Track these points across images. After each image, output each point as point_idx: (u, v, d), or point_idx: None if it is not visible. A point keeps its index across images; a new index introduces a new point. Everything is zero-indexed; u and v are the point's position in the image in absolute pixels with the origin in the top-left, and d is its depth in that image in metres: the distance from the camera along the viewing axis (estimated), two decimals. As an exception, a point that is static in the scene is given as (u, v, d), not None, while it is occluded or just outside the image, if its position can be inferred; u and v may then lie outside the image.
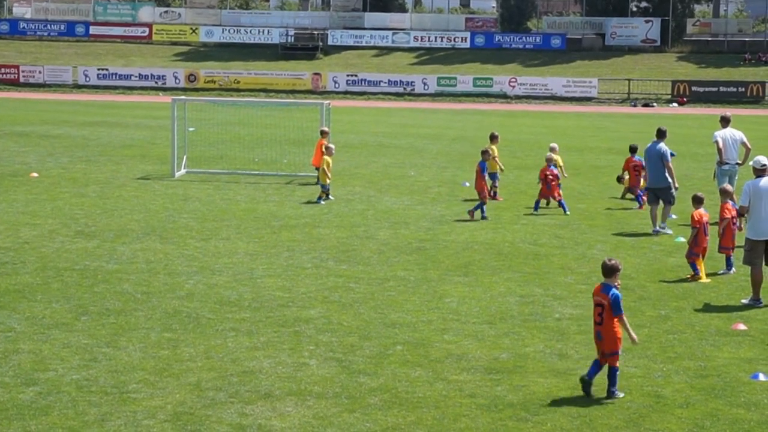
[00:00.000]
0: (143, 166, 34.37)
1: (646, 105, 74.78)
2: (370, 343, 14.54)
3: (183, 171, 32.49)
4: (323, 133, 29.67)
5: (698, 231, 18.95)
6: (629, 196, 28.03)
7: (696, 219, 19.06)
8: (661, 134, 23.97)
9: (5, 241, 21.26)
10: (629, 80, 78.32)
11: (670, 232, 23.21)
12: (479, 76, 79.49)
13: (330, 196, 27.21)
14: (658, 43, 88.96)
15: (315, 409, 11.96)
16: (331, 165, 27.42)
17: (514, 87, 77.99)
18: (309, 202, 26.82)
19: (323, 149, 27.62)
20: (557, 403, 12.25)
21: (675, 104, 75.11)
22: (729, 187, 20.43)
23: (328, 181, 27.22)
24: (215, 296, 17.10)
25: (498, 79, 78.82)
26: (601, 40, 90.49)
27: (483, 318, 16.02)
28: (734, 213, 19.32)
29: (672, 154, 23.80)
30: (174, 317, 15.74)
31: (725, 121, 25.05)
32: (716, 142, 24.45)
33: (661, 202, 23.37)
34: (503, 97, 77.33)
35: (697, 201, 19.52)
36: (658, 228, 23.24)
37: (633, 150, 27.67)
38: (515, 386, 12.82)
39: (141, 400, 12.12)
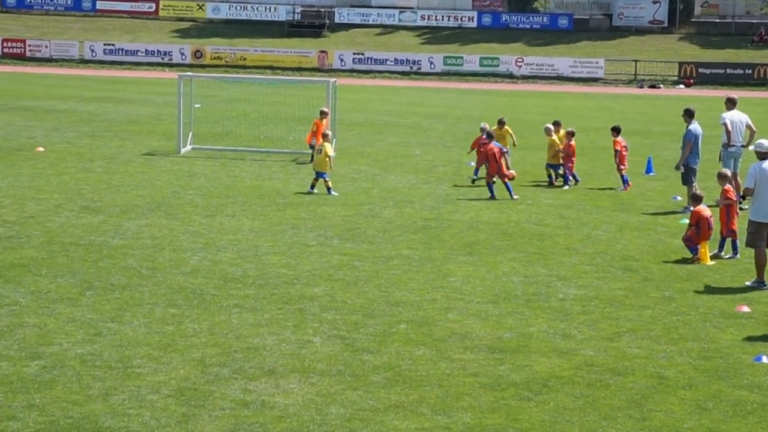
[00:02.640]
0: (149, 142, 34.37)
1: (652, 86, 74.57)
2: (374, 321, 14.57)
3: (189, 147, 32.49)
4: (323, 114, 29.69)
5: (702, 228, 18.94)
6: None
7: (696, 218, 19.07)
8: (691, 114, 24.19)
9: (11, 215, 21.29)
10: (636, 61, 78.07)
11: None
12: (486, 56, 79.28)
13: (332, 191, 25.09)
14: (666, 25, 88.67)
15: (318, 386, 12.00)
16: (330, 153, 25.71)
17: (520, 67, 77.80)
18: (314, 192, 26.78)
19: (322, 135, 26.78)
20: (560, 382, 12.28)
21: (681, 86, 74.90)
22: (727, 171, 20.46)
23: (328, 169, 25.53)
24: (220, 273, 17.13)
25: (504, 59, 78.59)
26: (608, 21, 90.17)
27: (487, 297, 16.04)
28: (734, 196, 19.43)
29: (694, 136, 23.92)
30: (179, 293, 15.78)
31: (731, 103, 24.96)
32: (724, 124, 24.30)
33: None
34: (510, 76, 77.14)
35: (696, 199, 19.53)
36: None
37: (617, 131, 27.43)
38: (518, 366, 12.85)
39: (145, 375, 12.17)
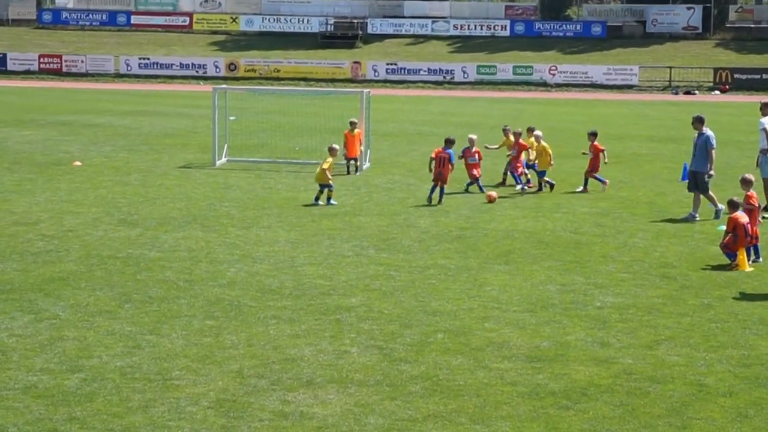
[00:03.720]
0: (184, 155, 34.57)
1: (687, 93, 74.22)
2: (411, 331, 14.57)
3: (224, 159, 32.65)
4: (353, 125, 30.08)
5: (739, 235, 18.86)
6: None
7: (732, 225, 19.00)
8: (702, 121, 23.79)
9: (50, 230, 21.48)
10: (670, 68, 77.75)
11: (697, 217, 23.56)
12: (519, 64, 79.24)
13: (332, 201, 25.10)
14: (700, 31, 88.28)
15: (356, 396, 12.01)
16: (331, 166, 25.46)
17: (554, 75, 77.68)
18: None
19: (328, 149, 26.08)
20: (599, 391, 12.23)
21: (717, 92, 74.50)
22: (751, 176, 20.53)
23: (327, 181, 25.06)
24: (257, 284, 17.19)
25: (538, 67, 78.53)
26: (642, 28, 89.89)
27: (524, 306, 16.00)
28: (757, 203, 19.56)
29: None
30: (216, 305, 15.85)
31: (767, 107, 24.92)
32: (764, 129, 24.23)
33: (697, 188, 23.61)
34: (543, 85, 77.03)
35: (733, 206, 19.44)
36: (695, 215, 23.59)
37: (595, 135, 28.04)
38: (556, 374, 12.81)
39: (184, 387, 12.22)
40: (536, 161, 27.65)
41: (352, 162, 30.44)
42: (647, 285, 17.46)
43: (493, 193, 24.97)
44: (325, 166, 25.01)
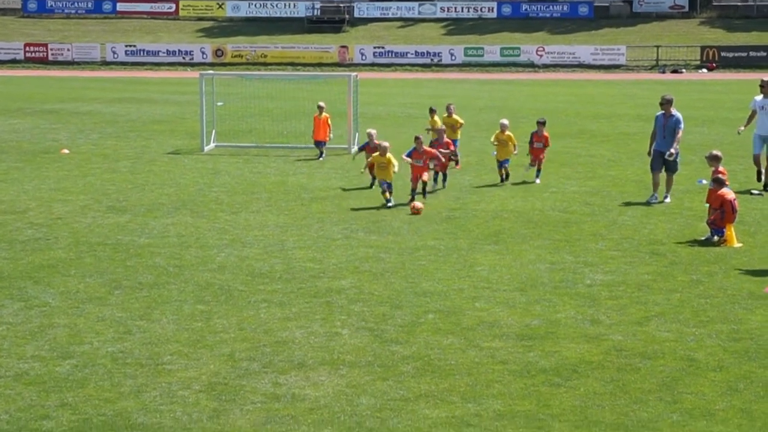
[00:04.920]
0: (173, 141, 34.52)
1: (675, 71, 74.23)
2: (401, 312, 14.59)
3: (212, 145, 32.60)
4: (321, 108, 30.26)
5: (726, 211, 18.92)
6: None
7: (719, 201, 19.06)
8: (672, 103, 23.16)
9: (38, 217, 21.44)
10: (658, 47, 77.71)
11: (668, 201, 23.09)
12: (506, 46, 79.11)
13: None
14: (687, 9, 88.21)
15: (348, 377, 12.03)
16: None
17: (541, 56, 77.60)
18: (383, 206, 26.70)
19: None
20: (590, 368, 12.27)
21: (704, 70, 74.52)
22: (719, 152, 20.68)
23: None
24: (247, 268, 17.19)
25: (525, 49, 78.42)
26: (628, 7, 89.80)
27: (514, 285, 16.03)
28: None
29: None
30: (206, 290, 15.85)
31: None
32: (764, 108, 24.41)
33: (665, 170, 23.10)
34: (531, 66, 76.97)
35: (718, 183, 19.48)
36: (658, 197, 23.04)
37: (543, 123, 26.42)
38: (547, 352, 12.85)
39: (176, 372, 12.23)
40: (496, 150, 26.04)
41: (321, 146, 30.34)
42: (637, 262, 17.51)
43: (419, 204, 22.03)
44: (394, 161, 22.95)
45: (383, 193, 22.79)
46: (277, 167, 28.75)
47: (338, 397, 11.43)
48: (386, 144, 23.24)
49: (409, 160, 23.34)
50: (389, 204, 22.58)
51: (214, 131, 33.09)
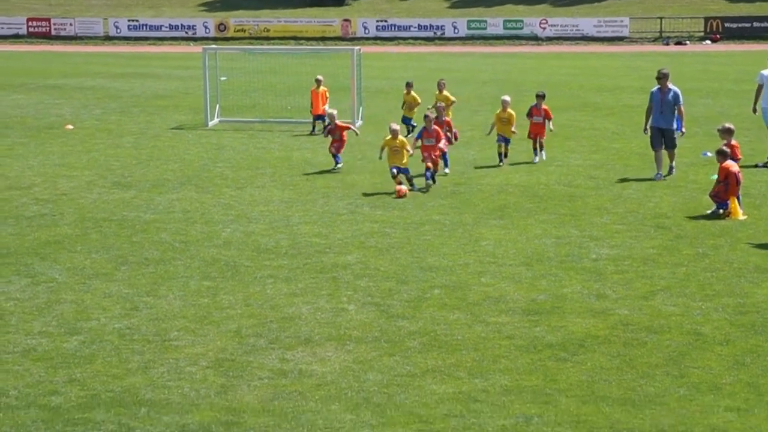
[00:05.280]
0: (177, 116, 34.48)
1: (678, 43, 73.96)
2: (407, 288, 14.61)
3: (216, 120, 32.56)
4: (318, 82, 30.37)
5: (730, 183, 18.89)
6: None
7: (724, 173, 19.02)
8: (668, 77, 22.79)
9: (43, 193, 21.45)
10: (661, 18, 77.40)
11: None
12: (509, 19, 78.83)
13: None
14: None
15: (355, 353, 12.06)
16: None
17: (544, 29, 77.32)
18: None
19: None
20: (596, 342, 12.29)
21: (708, 41, 74.23)
22: (731, 125, 20.64)
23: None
24: (252, 244, 17.20)
25: (528, 21, 78.12)
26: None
27: (520, 260, 16.04)
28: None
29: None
30: (212, 265, 15.87)
31: None
32: None
33: (665, 147, 22.74)
34: (534, 39, 76.71)
35: (722, 155, 19.42)
36: (662, 174, 22.64)
37: (542, 97, 25.54)
38: (554, 327, 12.87)
39: (183, 348, 12.27)
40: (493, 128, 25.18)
41: (319, 121, 30.24)
42: (642, 236, 17.50)
43: (403, 188, 21.15)
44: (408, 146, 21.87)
45: (394, 177, 21.36)
46: (281, 142, 28.72)
47: (345, 372, 11.45)
48: (396, 126, 22.10)
49: (419, 143, 22.28)
50: (414, 188, 21.41)
51: (217, 106, 33.04)
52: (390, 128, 22.04)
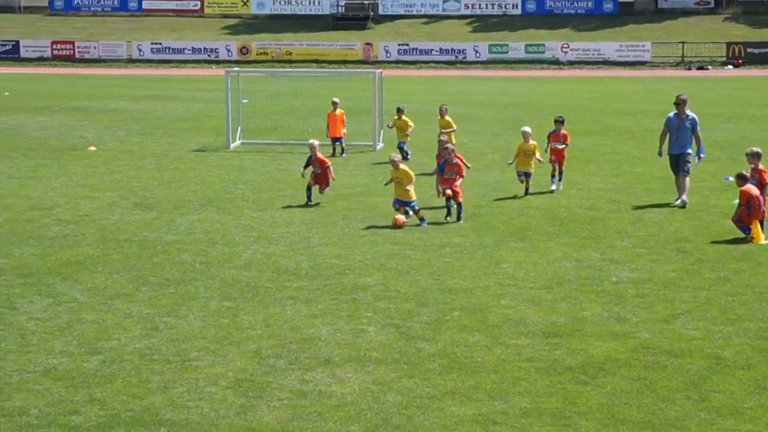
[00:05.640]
0: (198, 139, 34.64)
1: (700, 68, 73.84)
2: (427, 309, 14.61)
3: (238, 142, 32.69)
4: (335, 104, 30.58)
5: (753, 207, 18.83)
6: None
7: (745, 198, 18.96)
8: (684, 103, 22.64)
9: (66, 214, 21.57)
10: (683, 43, 77.33)
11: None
12: (531, 43, 78.91)
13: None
14: (712, 5, 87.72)
15: (374, 374, 12.06)
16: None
17: (566, 53, 77.38)
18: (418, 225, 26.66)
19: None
20: (616, 365, 12.24)
21: (730, 66, 74.08)
22: (758, 149, 20.50)
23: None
24: (273, 265, 17.24)
25: (550, 45, 78.19)
26: (653, 4, 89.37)
27: (540, 283, 16.02)
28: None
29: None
30: (233, 286, 15.91)
31: None
32: None
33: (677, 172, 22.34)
34: (556, 63, 76.74)
35: (742, 179, 19.38)
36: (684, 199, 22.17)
37: (561, 122, 24.74)
38: (574, 350, 12.83)
39: (203, 368, 12.29)
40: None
41: (337, 143, 30.55)
42: (663, 260, 17.45)
43: (402, 217, 20.20)
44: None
45: (397, 210, 20.45)
46: (302, 164, 28.74)
47: (364, 394, 11.45)
48: (396, 157, 21.15)
49: (440, 177, 21.04)
50: (423, 223, 20.30)
51: (239, 128, 33.18)
52: (390, 159, 21.13)
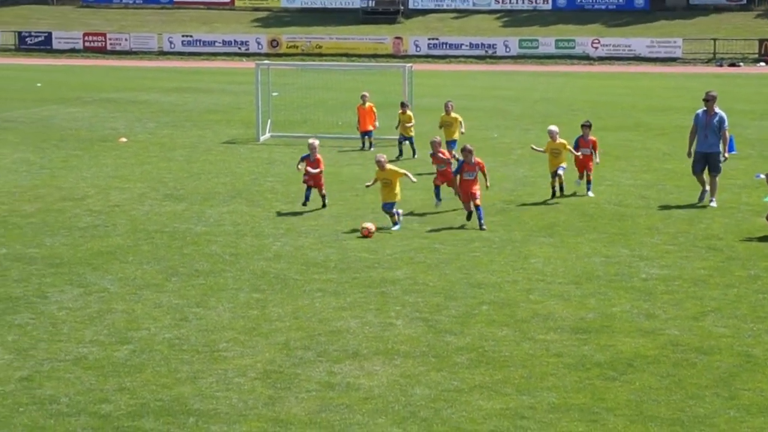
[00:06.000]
0: (228, 131, 34.74)
1: (732, 65, 73.38)
2: (455, 303, 14.61)
3: (267, 135, 32.77)
4: (364, 98, 30.05)
5: None
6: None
7: None
8: (713, 99, 22.28)
9: (96, 205, 21.70)
10: (714, 40, 76.85)
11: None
12: (561, 38, 78.63)
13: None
14: (744, 2, 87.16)
15: (402, 367, 12.07)
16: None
17: (596, 48, 77.06)
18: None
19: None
20: (645, 362, 12.21)
21: (762, 63, 73.57)
22: None
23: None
24: (302, 258, 17.29)
25: (580, 41, 77.88)
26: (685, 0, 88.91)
27: (569, 278, 15.98)
28: None
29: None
30: (262, 278, 15.97)
31: None
32: None
33: (708, 171, 21.99)
34: (586, 58, 76.44)
35: None
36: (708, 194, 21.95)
37: (588, 126, 23.22)
38: (602, 346, 12.81)
39: (231, 359, 12.34)
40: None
41: (366, 137, 30.55)
42: (693, 257, 17.38)
43: (371, 226, 19.04)
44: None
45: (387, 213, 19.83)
46: (331, 158, 28.79)
47: (392, 386, 11.47)
48: (382, 157, 20.13)
49: (457, 178, 20.22)
50: (395, 227, 19.52)
51: (269, 121, 33.27)
52: (376, 160, 20.22)
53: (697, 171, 22.19)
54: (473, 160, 20.06)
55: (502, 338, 13.12)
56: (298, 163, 22.04)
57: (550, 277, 16.08)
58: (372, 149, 30.28)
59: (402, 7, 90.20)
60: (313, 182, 21.43)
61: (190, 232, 19.16)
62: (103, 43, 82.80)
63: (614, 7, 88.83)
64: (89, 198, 22.46)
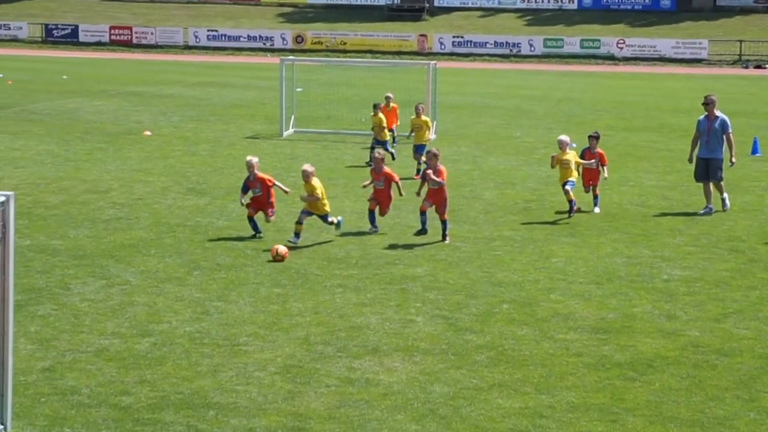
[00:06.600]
0: (252, 126, 34.83)
1: (758, 66, 73.04)
2: (476, 302, 14.62)
3: (291, 131, 32.83)
4: (388, 99, 29.10)
5: None
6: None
7: None
8: (713, 103, 21.42)
9: (120, 198, 21.80)
10: (741, 41, 76.50)
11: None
12: (586, 38, 78.44)
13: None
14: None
15: (422, 364, 12.09)
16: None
17: (622, 48, 76.84)
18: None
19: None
20: (665, 363, 12.18)
21: (789, 66, 73.23)
22: None
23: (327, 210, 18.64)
24: (323, 253, 17.32)
25: (605, 41, 77.68)
26: (711, 1, 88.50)
27: (590, 278, 15.96)
28: None
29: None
30: (283, 273, 16.01)
31: None
32: None
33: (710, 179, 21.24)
34: (611, 59, 76.23)
35: None
36: (713, 207, 21.19)
37: (596, 138, 21.52)
38: (623, 346, 12.79)
39: (252, 353, 12.39)
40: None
41: (390, 132, 30.15)
42: (715, 258, 17.33)
43: (282, 248, 16.96)
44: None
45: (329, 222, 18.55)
46: (354, 154, 28.87)
47: (412, 383, 11.49)
48: (308, 167, 18.38)
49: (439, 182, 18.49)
50: (293, 240, 17.81)
51: (293, 117, 33.33)
52: (302, 170, 18.48)
53: (700, 178, 21.48)
54: (438, 166, 18.68)
55: (522, 337, 13.12)
56: (242, 195, 18.91)
57: (572, 276, 16.07)
58: (395, 145, 30.22)
59: (427, 5, 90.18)
60: (255, 208, 18.58)
61: (212, 227, 19.23)
62: (129, 37, 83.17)
63: (640, 7, 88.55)
64: (113, 191, 22.57)
